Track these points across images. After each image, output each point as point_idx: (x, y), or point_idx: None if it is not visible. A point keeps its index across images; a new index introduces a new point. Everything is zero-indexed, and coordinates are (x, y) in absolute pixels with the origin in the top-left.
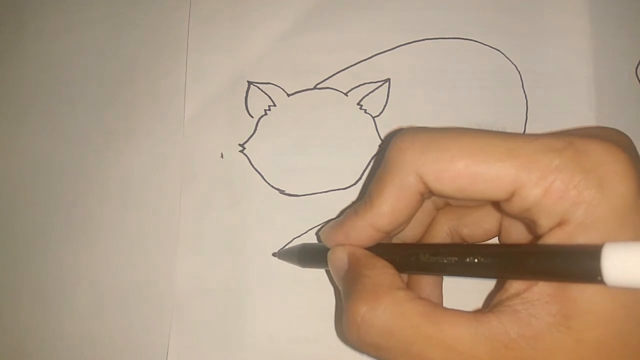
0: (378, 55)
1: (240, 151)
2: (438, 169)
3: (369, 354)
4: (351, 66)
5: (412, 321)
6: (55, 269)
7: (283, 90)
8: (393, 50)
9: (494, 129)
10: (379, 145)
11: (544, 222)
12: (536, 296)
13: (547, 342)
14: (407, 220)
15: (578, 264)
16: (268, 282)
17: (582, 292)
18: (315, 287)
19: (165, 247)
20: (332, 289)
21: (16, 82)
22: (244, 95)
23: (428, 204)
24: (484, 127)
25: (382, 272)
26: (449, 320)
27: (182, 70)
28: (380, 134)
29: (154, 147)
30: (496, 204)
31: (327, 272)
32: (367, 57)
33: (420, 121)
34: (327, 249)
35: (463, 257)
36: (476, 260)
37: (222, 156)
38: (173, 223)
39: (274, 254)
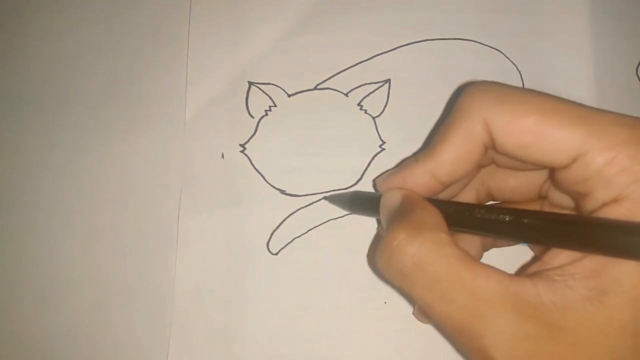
0: (378, 56)
1: (241, 151)
2: (507, 120)
3: (391, 282)
4: (351, 67)
5: (447, 261)
6: (55, 268)
7: (283, 90)
8: (393, 51)
9: None
10: (379, 146)
11: (600, 195)
12: (578, 270)
13: (577, 313)
14: (466, 175)
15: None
16: (268, 282)
17: (627, 273)
18: (316, 287)
19: (165, 247)
20: (332, 288)
21: (16, 82)
22: (245, 95)
23: (471, 195)
24: None
25: (431, 213)
26: (483, 272)
27: (183, 71)
28: (381, 134)
29: (155, 147)
30: (551, 175)
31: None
32: (367, 57)
33: (420, 121)
34: (379, 198)
35: (519, 217)
36: (532, 222)
37: (222, 156)
38: (173, 223)
39: (325, 198)
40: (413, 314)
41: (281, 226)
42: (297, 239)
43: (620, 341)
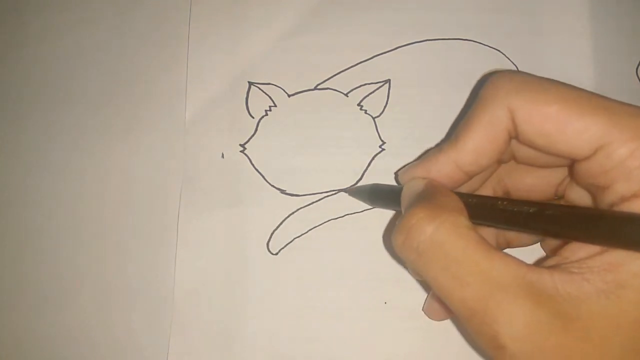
0: (378, 56)
1: (241, 151)
2: (531, 108)
3: (406, 261)
4: (352, 67)
5: (465, 243)
6: (55, 268)
7: (284, 90)
8: (393, 51)
9: None
10: (380, 146)
11: (620, 188)
12: (597, 263)
13: (591, 306)
14: (490, 164)
15: None
16: (268, 282)
17: None
18: (316, 287)
19: (165, 247)
20: (332, 288)
21: (16, 82)
22: (245, 95)
23: (488, 192)
24: None
25: (453, 200)
26: (501, 258)
27: (183, 71)
28: (381, 135)
29: (155, 147)
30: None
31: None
32: (367, 57)
33: (420, 122)
34: (399, 190)
35: (543, 209)
36: (556, 214)
37: (222, 156)
38: (173, 223)
39: (344, 190)
40: (423, 309)
41: (281, 226)
42: (297, 239)
43: (633, 335)
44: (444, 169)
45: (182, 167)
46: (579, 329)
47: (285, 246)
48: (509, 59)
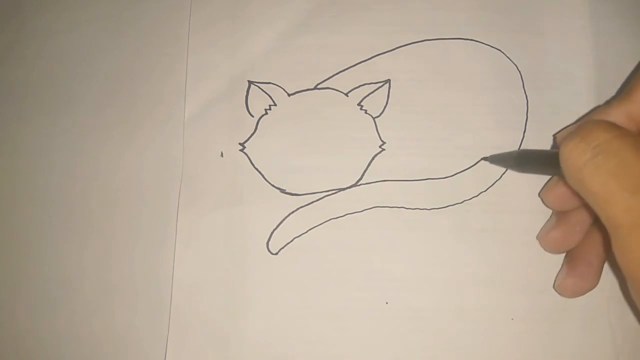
0: (378, 56)
1: (240, 150)
2: None
3: (573, 163)
4: (352, 67)
5: None
6: (54, 268)
7: (284, 90)
8: (393, 51)
9: (493, 130)
10: (380, 146)
11: None
12: None
13: None
14: None
15: None
16: (268, 282)
17: None
18: (316, 286)
19: (164, 246)
20: (332, 288)
21: (16, 82)
22: (245, 94)
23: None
24: (483, 128)
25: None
26: None
27: (183, 70)
28: (381, 134)
29: (155, 146)
30: None
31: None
32: (367, 57)
33: (420, 122)
34: (549, 153)
35: None
36: None
37: (222, 155)
38: (172, 222)
39: (484, 158)
40: (554, 287)
41: (281, 225)
42: (297, 238)
43: None
44: (615, 121)
45: (181, 166)
46: None
47: (285, 246)
48: (509, 58)
